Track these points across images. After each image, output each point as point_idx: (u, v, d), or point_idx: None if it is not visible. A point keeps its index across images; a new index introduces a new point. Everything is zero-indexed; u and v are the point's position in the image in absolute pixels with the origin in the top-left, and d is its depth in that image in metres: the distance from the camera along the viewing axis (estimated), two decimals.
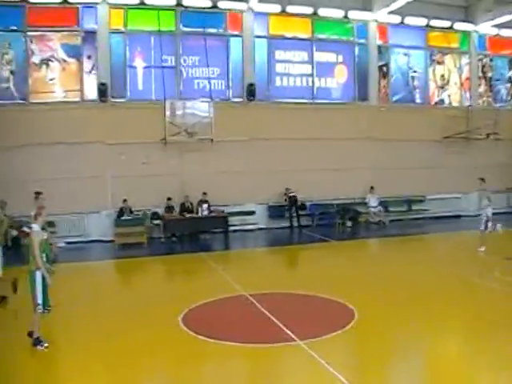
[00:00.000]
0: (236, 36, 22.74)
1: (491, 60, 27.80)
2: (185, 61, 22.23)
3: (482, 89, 27.59)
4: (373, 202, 23.37)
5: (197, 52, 22.21)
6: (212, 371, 8.30)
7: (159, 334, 9.52)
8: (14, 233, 19.52)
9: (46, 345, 8.68)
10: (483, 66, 27.56)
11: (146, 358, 8.38)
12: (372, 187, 23.43)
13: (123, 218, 19.75)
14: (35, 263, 8.62)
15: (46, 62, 20.99)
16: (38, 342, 8.68)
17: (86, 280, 14.55)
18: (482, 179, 16.65)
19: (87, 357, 8.50)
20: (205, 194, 20.66)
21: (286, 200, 22.38)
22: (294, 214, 22.56)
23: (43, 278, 8.71)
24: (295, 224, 22.61)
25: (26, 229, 19.39)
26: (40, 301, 8.68)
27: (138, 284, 14.89)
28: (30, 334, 8.79)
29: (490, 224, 16.32)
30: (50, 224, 19.55)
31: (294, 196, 22.24)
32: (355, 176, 23.57)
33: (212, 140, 20.88)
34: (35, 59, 20.97)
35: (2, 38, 20.78)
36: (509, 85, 28.33)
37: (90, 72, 21.30)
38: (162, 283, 14.97)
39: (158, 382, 8.05)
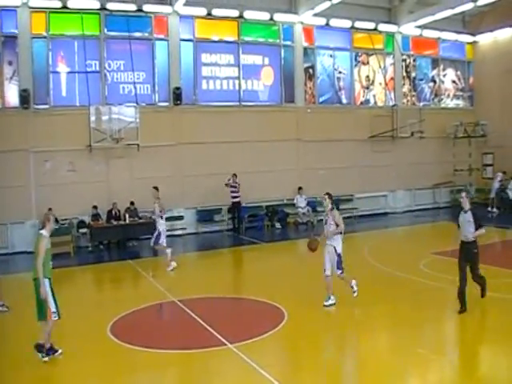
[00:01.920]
0: (162, 40, 22.63)
1: (414, 60, 28.63)
2: (109, 65, 21.95)
3: (405, 88, 28.39)
4: (301, 202, 23.76)
5: (122, 56, 21.97)
6: (142, 381, 8.37)
7: (86, 346, 9.54)
8: None
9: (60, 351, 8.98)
10: (407, 67, 28.36)
11: (73, 370, 8.46)
12: (300, 188, 23.82)
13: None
14: (41, 271, 8.65)
15: None
16: (51, 350, 8.83)
17: (11, 292, 14.28)
18: None
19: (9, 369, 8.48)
20: (132, 203, 20.59)
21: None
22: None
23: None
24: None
25: None
26: (54, 308, 8.76)
27: (63, 295, 14.68)
28: (40, 346, 8.78)
29: None
30: None
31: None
32: (284, 177, 23.93)
33: (138, 145, 20.81)
34: None
35: None
36: (432, 84, 29.23)
37: (11, 78, 20.80)
38: (89, 293, 14.87)
39: None
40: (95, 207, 20.47)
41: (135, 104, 21.37)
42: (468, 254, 10.51)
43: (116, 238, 20.55)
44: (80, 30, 21.31)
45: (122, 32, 21.97)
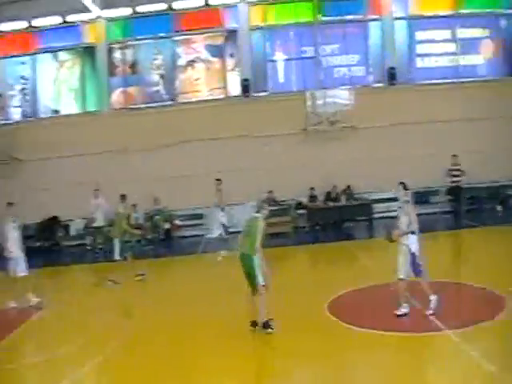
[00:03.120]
0: (375, 20, 22.28)
1: None
2: (324, 50, 22.23)
3: None
4: None
5: (336, 40, 22.11)
6: (357, 359, 8.32)
7: (303, 321, 9.71)
8: (167, 226, 20.94)
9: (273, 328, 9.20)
10: None
11: (293, 343, 8.66)
12: None
13: (269, 208, 20.18)
14: (255, 249, 9.20)
15: (191, 63, 22.16)
16: (268, 325, 9.20)
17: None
18: None
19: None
20: (348, 186, 20.63)
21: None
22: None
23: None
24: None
25: (177, 222, 20.73)
26: (262, 282, 9.20)
27: (283, 272, 15.18)
28: (259, 323, 9.26)
29: None
30: (198, 216, 20.88)
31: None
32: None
33: (353, 127, 20.74)
34: (181, 62, 22.23)
35: (152, 46, 22.32)
36: None
37: (233, 69, 22.11)
38: (307, 271, 15.25)
39: (307, 368, 8.11)
40: (312, 189, 20.86)
41: (350, 86, 21.35)
42: None
43: (332, 220, 20.73)
44: (295, 18, 21.90)
45: (335, 16, 22.09)
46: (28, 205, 19.07)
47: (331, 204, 20.34)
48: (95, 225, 18.85)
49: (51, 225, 21.08)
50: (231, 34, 22.14)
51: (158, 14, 22.08)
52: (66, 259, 20.00)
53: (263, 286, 9.17)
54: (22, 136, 21.70)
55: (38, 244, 20.39)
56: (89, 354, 9.07)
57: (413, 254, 9.31)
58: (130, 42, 22.51)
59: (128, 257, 14.39)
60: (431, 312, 9.21)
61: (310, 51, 22.21)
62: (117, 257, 14.47)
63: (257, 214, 9.73)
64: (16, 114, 22.94)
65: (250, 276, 9.27)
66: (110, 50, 22.39)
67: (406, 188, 9.64)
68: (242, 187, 20.69)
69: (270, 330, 9.15)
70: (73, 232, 21.59)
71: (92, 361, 8.79)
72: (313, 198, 20.87)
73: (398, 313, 9.43)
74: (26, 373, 8.92)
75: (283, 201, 20.88)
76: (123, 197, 14.89)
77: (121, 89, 22.30)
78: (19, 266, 12.46)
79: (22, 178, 21.43)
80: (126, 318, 11.89)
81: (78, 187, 19.91)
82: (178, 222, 20.82)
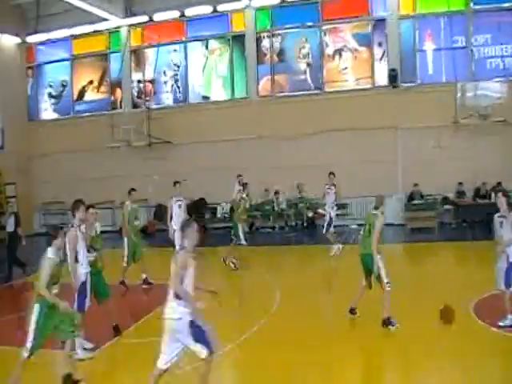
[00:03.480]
0: None
1: None
2: (476, 40, 21.44)
3: None
4: None
5: (488, 30, 21.23)
6: (497, 364, 8.06)
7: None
8: (310, 214, 21.21)
9: (397, 324, 9.14)
10: None
11: (435, 346, 8.45)
12: None
13: (414, 202, 20.04)
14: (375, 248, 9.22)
15: (338, 52, 22.17)
16: (389, 322, 9.18)
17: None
18: None
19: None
20: (499, 183, 19.85)
21: None
22: None
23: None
24: None
25: (321, 211, 20.91)
26: (387, 280, 9.19)
27: (423, 269, 15.06)
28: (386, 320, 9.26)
29: None
30: (343, 206, 20.97)
31: None
32: None
33: (506, 122, 19.90)
34: (328, 50, 22.30)
35: (300, 34, 22.55)
36: None
37: (381, 59, 21.87)
38: (452, 269, 14.79)
39: (456, 370, 7.87)
40: (460, 184, 20.36)
41: (503, 78, 20.48)
42: None
43: (481, 217, 20.08)
44: (446, 7, 21.25)
45: (488, 5, 21.21)
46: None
47: (480, 201, 19.73)
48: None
49: (199, 206, 21.90)
50: (379, 23, 21.85)
51: (306, 2, 22.29)
52: (212, 240, 20.79)
53: (387, 283, 9.10)
54: (173, 120, 22.83)
55: None
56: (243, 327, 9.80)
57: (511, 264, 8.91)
58: (277, 31, 22.84)
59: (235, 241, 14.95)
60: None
61: (461, 41, 21.47)
62: (243, 242, 15.03)
63: (375, 211, 9.56)
64: (168, 100, 24.05)
65: (371, 273, 9.31)
66: (258, 39, 22.87)
67: (506, 195, 9.12)
68: (387, 179, 20.65)
69: (391, 326, 9.08)
70: (219, 214, 22.41)
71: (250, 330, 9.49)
72: (460, 193, 20.35)
73: (502, 324, 8.94)
74: None
75: (429, 195, 20.52)
76: (245, 185, 15.34)
77: (268, 76, 22.71)
78: None
79: (173, 161, 22.58)
80: (271, 299, 12.04)
81: (224, 172, 20.48)
82: (321, 210, 20.96)
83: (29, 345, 6.94)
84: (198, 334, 6.19)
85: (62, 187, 24.11)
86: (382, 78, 21.77)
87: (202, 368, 6.41)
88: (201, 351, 6.17)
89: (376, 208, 9.68)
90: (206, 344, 6.19)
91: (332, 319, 10.24)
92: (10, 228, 15.57)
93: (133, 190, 13.43)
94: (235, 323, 10.37)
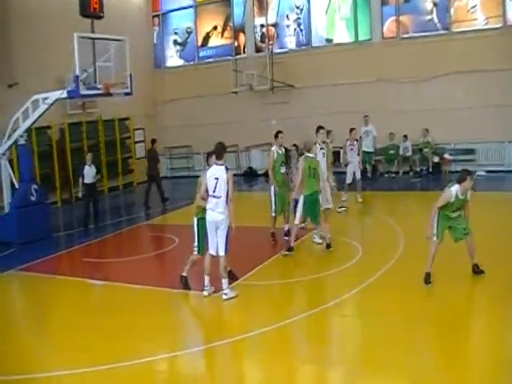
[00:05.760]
0: None
1: None
2: None
3: None
4: None
5: None
6: None
7: None
8: (436, 159, 21.00)
9: None
10: None
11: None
12: None
13: None
14: None
15: None
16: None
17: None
18: None
19: None
20: None
21: None
22: None
23: None
24: None
25: (447, 156, 20.71)
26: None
27: None
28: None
29: None
30: (470, 151, 20.66)
31: None
32: None
33: None
34: None
35: None
36: None
37: None
38: None
39: None
40: None
41: None
42: None
43: None
44: None
45: None
46: (298, 131, 19.92)
47: None
48: (364, 149, 18.48)
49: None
50: None
51: None
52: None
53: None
54: (296, 64, 23.08)
55: None
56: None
57: None
58: None
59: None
60: None
61: None
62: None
63: None
64: (291, 43, 24.25)
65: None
66: None
67: None
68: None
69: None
70: None
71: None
72: None
73: None
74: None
75: None
76: (328, 132, 13.80)
77: (393, 17, 22.23)
78: None
79: (296, 105, 22.96)
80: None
81: (347, 115, 20.49)
82: (447, 155, 20.76)
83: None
84: None
85: (186, 132, 25.19)
86: None
87: None
88: None
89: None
90: None
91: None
92: (88, 179, 15.94)
93: (279, 132, 12.62)
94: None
